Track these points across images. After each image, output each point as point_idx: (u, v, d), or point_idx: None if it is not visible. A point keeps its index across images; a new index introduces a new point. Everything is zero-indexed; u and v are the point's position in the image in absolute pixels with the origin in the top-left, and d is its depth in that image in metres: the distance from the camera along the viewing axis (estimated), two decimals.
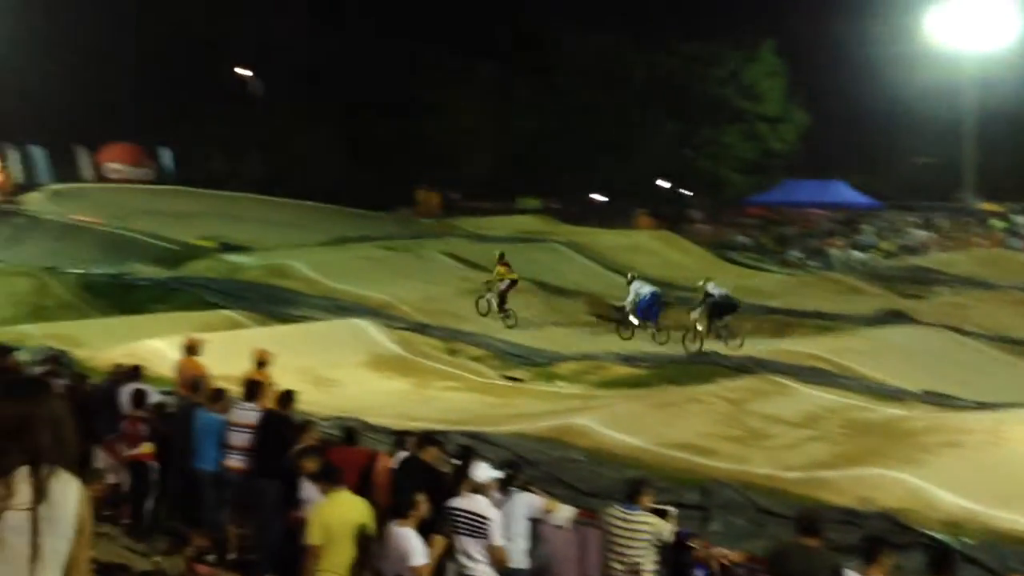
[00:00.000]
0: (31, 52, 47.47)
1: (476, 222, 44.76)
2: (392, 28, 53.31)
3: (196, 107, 50.77)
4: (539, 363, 21.48)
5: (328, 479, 8.47)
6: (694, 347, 22.87)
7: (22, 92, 47.10)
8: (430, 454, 9.41)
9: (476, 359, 21.91)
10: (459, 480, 8.81)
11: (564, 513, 8.99)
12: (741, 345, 22.55)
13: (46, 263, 31.08)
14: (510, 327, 25.60)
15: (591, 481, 12.06)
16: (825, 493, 11.92)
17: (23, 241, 35.93)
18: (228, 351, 16.35)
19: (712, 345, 22.64)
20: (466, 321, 25.57)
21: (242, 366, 13.29)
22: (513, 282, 26.35)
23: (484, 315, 26.21)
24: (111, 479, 12.41)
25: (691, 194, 58.86)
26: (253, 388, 11.34)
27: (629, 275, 26.24)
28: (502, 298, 26.19)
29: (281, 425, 10.62)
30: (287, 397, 11.05)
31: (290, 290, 27.54)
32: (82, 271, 30.41)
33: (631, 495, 8.12)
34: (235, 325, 23.37)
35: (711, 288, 23.76)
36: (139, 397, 12.02)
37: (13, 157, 44.00)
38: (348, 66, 52.76)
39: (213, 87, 52.09)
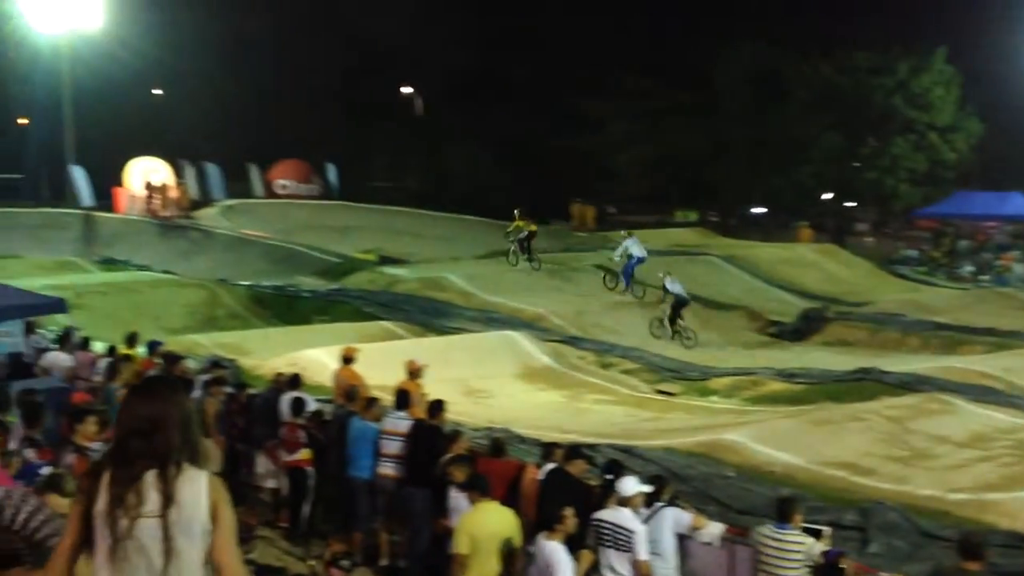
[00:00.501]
0: (208, 77, 50.01)
1: None
2: (550, 42, 53.73)
3: (361, 124, 52.31)
4: (693, 377, 21.14)
5: (476, 489, 8.51)
6: (659, 333, 25.68)
7: (200, 114, 49.67)
8: (577, 467, 9.34)
9: (628, 372, 21.75)
10: (607, 494, 8.71)
11: (713, 530, 8.77)
12: (695, 344, 24.96)
13: (217, 275, 32.56)
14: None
15: (742, 498, 11.77)
16: (992, 516, 11.32)
17: (197, 254, 37.70)
18: (384, 361, 16.72)
19: (672, 349, 24.15)
20: (619, 334, 25.42)
21: (397, 376, 13.55)
22: (532, 233, 30.10)
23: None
24: (271, 484, 12.86)
25: (856, 205, 56.97)
26: (404, 397, 11.53)
27: (624, 232, 30.58)
28: (522, 246, 30.07)
29: (431, 434, 10.76)
30: (437, 407, 11.17)
31: (445, 302, 27.95)
32: (250, 283, 31.73)
33: (783, 514, 7.86)
34: (392, 336, 23.89)
35: (669, 283, 25.83)
36: (298, 405, 12.36)
37: (190, 174, 46.26)
38: (505, 81, 53.40)
39: (377, 104, 53.58)
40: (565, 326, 25.90)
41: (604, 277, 29.58)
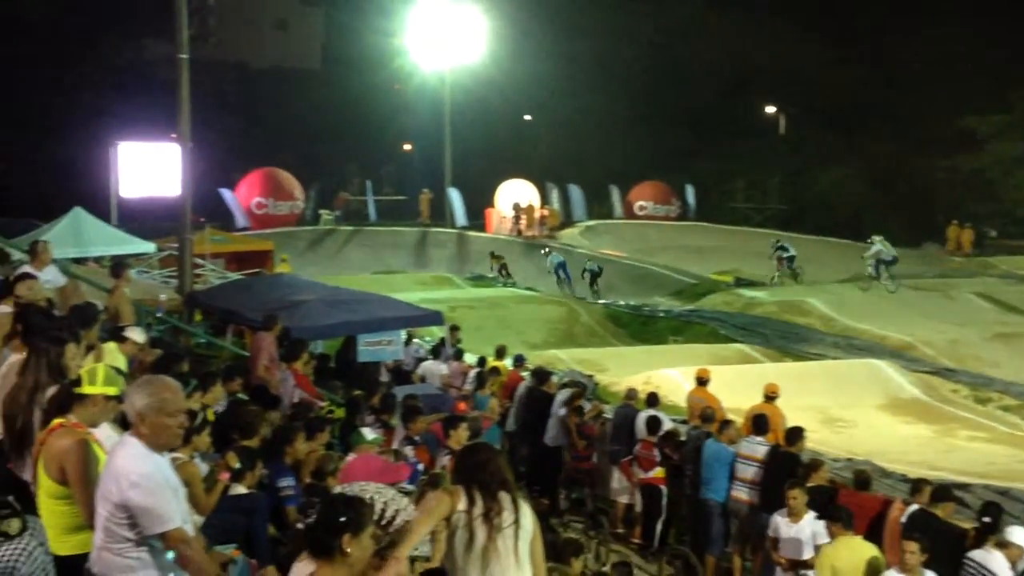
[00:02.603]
0: (574, 102, 51.93)
1: (1015, 261, 40.82)
2: (922, 60, 50.71)
3: (722, 145, 52.06)
4: None
5: (839, 521, 8.24)
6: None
7: (565, 137, 51.66)
8: (944, 509, 8.77)
9: (1009, 409, 20.06)
10: (982, 539, 8.10)
11: None
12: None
13: (577, 293, 33.65)
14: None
15: None
16: None
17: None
18: (739, 384, 16.56)
19: None
20: (999, 367, 23.44)
21: (752, 400, 13.36)
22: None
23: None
24: (624, 499, 13.10)
25: None
26: (762, 422, 11.35)
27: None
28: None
29: (788, 461, 10.51)
30: (796, 433, 10.91)
31: (805, 327, 27.14)
32: (607, 301, 32.49)
33: None
34: (747, 360, 23.54)
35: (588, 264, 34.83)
36: (654, 423, 12.51)
37: (555, 195, 48.18)
38: (871, 100, 51.04)
39: (740, 125, 53.08)
40: (936, 356, 24.28)
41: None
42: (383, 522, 4.23)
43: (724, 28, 54.04)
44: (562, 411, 13.71)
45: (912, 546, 7.50)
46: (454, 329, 19.00)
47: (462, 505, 4.82)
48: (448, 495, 4.91)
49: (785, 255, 34.24)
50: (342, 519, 3.84)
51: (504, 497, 4.86)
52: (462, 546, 4.82)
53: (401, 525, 4.30)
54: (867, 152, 51.25)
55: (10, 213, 29.96)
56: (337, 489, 4.38)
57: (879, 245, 31.67)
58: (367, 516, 3.96)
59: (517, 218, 44.49)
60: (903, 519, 8.76)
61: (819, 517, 9.08)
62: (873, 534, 8.79)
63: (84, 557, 4.47)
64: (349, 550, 3.80)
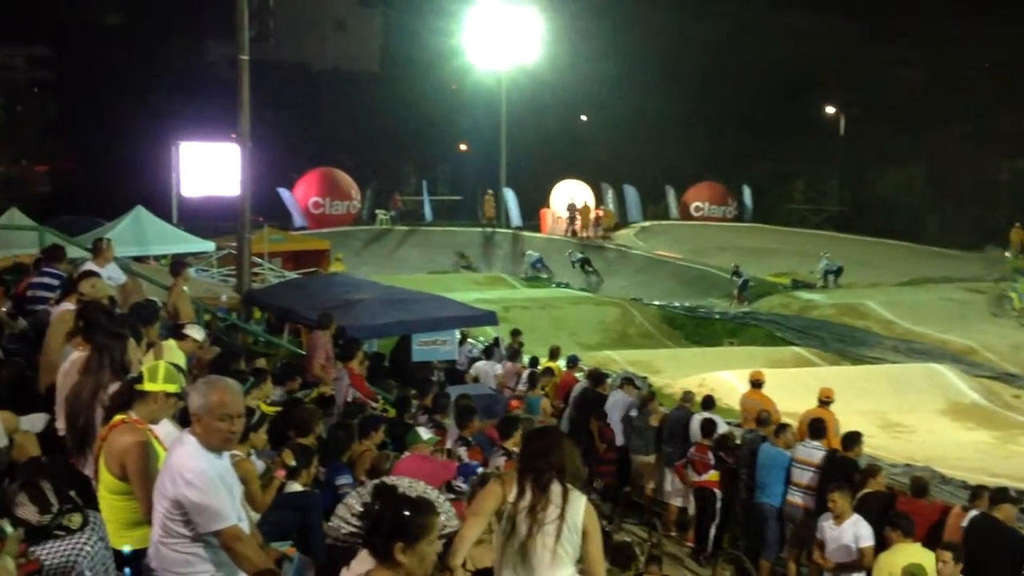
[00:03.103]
0: (630, 102, 51.74)
1: None
2: (986, 59, 49.78)
3: (780, 145, 51.54)
4: None
5: (899, 528, 8.15)
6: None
7: (621, 137, 51.46)
8: (1004, 512, 8.61)
9: None
10: None
11: None
12: None
13: (631, 294, 33.53)
14: None
15: None
16: None
17: (612, 273, 39.02)
18: (795, 388, 16.39)
19: None
20: None
21: (808, 404, 13.22)
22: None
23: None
24: (678, 502, 13.03)
25: None
26: (818, 427, 11.21)
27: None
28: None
29: (845, 466, 10.38)
30: (853, 438, 10.76)
31: (863, 330, 26.79)
32: (662, 303, 32.34)
33: None
34: (804, 362, 23.31)
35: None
36: (708, 426, 12.43)
37: (610, 196, 48.05)
38: (933, 100, 50.20)
39: (797, 124, 52.50)
40: (999, 361, 23.83)
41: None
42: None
43: (784, 27, 53.50)
44: (634, 412, 13.71)
45: (946, 555, 7.51)
46: (516, 333, 18.98)
47: (512, 496, 4.68)
48: (499, 485, 4.78)
49: (740, 280, 33.72)
50: (398, 525, 3.73)
51: (555, 490, 4.65)
52: (504, 538, 4.70)
53: (447, 531, 4.19)
54: (928, 153, 50.43)
55: (75, 211, 30.60)
56: (400, 490, 4.23)
57: (825, 260, 34.66)
58: (427, 527, 3.81)
59: (572, 218, 44.44)
60: (964, 524, 8.62)
61: (879, 524, 8.99)
62: (931, 541, 8.66)
63: (143, 552, 4.55)
64: (401, 558, 3.70)
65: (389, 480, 4.31)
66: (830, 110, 56.83)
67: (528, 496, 4.64)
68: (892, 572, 7.80)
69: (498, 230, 44.99)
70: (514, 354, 17.87)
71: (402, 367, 15.70)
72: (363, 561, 4.00)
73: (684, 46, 53.39)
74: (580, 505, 4.69)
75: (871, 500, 9.44)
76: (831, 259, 35.35)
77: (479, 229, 45.12)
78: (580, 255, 38.31)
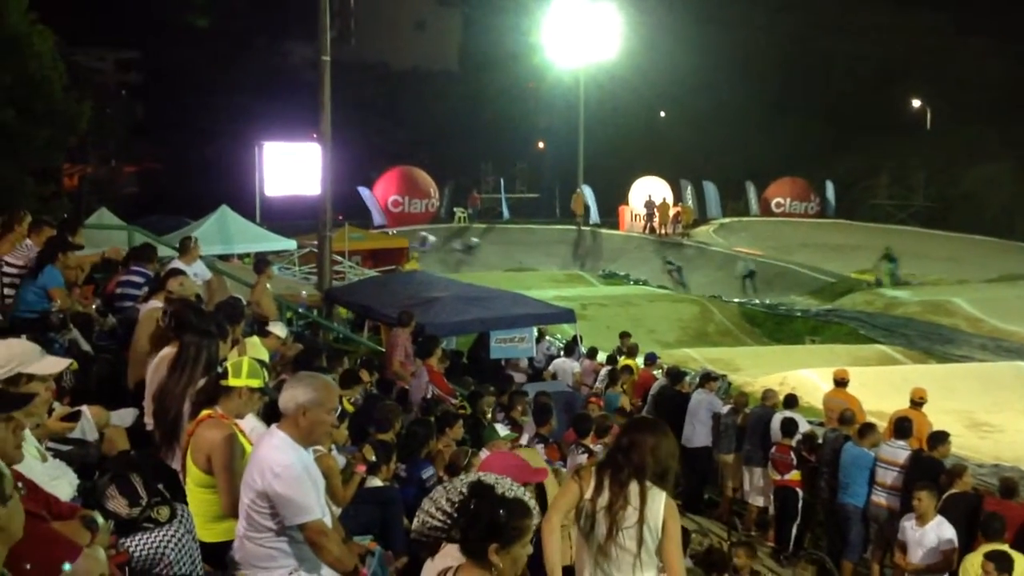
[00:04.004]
0: (709, 98, 51.26)
1: None
2: None
3: (864, 140, 50.59)
4: None
5: (988, 530, 7.99)
6: None
7: (700, 134, 51.05)
8: None
9: None
10: None
11: None
12: None
13: (710, 292, 33.21)
14: None
15: None
16: None
17: (692, 270, 38.70)
18: (880, 386, 16.09)
19: None
20: None
21: (894, 403, 12.97)
22: None
23: None
24: (760, 502, 12.89)
25: None
26: (905, 426, 11.00)
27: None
28: None
29: (931, 466, 10.16)
30: (939, 438, 10.53)
31: (950, 328, 26.17)
32: (742, 300, 31.97)
33: None
34: (888, 361, 22.84)
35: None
36: (790, 425, 12.27)
37: (688, 193, 47.65)
38: (1021, 93, 48.70)
39: (882, 118, 51.47)
40: None
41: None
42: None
43: (868, 20, 52.47)
44: (724, 410, 13.60)
45: (988, 566, 7.47)
46: (625, 336, 18.37)
47: (589, 492, 4.57)
48: (576, 482, 4.68)
49: (672, 267, 34.14)
50: (493, 525, 3.64)
51: (633, 489, 4.51)
52: (583, 536, 4.62)
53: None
54: (1016, 147, 48.98)
55: (162, 211, 31.37)
56: (500, 491, 4.11)
57: (741, 261, 35.60)
58: (522, 529, 3.69)
59: (650, 216, 44.17)
60: None
61: (966, 526, 8.79)
62: (1020, 543, 8.43)
63: (229, 545, 4.65)
64: (495, 559, 3.61)
65: (488, 479, 4.25)
66: (916, 104, 55.60)
67: (606, 494, 4.53)
68: (978, 573, 7.62)
69: (573, 227, 44.90)
70: (593, 352, 17.82)
71: (480, 364, 15.79)
72: (447, 556, 4.01)
73: (765, 40, 52.76)
74: (660, 503, 4.51)
75: (957, 501, 9.23)
76: (748, 261, 35.76)
77: (557, 227, 45.09)
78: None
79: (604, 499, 4.53)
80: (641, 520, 4.47)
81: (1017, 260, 38.12)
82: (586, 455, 8.54)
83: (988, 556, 7.61)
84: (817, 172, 49.71)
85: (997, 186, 48.76)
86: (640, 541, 4.48)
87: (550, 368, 16.94)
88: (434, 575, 4.00)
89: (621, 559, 4.51)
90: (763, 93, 51.92)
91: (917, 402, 12.55)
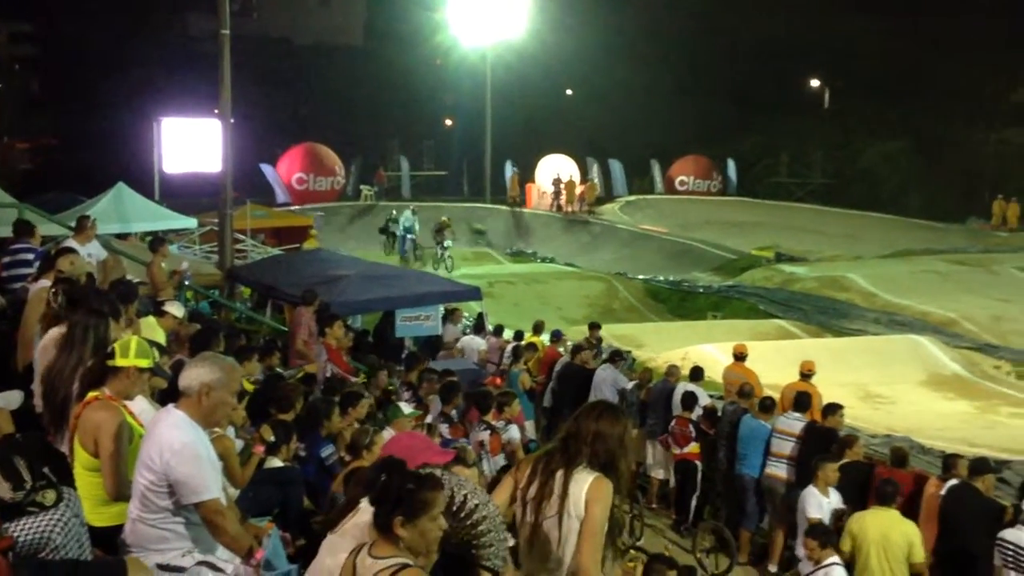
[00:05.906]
0: (615, 76, 51.58)
1: None
2: (972, 32, 49.69)
3: (765, 118, 51.52)
4: None
5: (881, 496, 8.31)
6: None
7: (606, 112, 51.37)
8: (985, 482, 8.72)
9: None
10: (1018, 517, 8.06)
11: None
12: None
13: (616, 268, 33.56)
14: None
15: None
16: None
17: (598, 248, 39.03)
18: (778, 360, 16.48)
19: None
20: None
21: (790, 375, 13.31)
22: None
23: None
24: (660, 474, 13.13)
25: None
26: (801, 399, 11.30)
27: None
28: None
29: (825, 437, 10.48)
30: (832, 409, 10.87)
31: (845, 303, 26.88)
32: (647, 277, 32.39)
33: None
34: (786, 335, 23.39)
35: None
36: (690, 399, 12.50)
37: (595, 170, 47.98)
38: (918, 73, 50.15)
39: (782, 98, 52.44)
40: (979, 332, 23.95)
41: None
42: (462, 514, 4.03)
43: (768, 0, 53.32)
44: (629, 386, 13.74)
45: (811, 543, 7.90)
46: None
47: (523, 483, 4.42)
48: (510, 476, 4.57)
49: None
50: (399, 498, 3.65)
51: (558, 477, 4.30)
52: (518, 528, 4.45)
53: (478, 518, 4.09)
54: (913, 126, 50.49)
55: (56, 187, 30.38)
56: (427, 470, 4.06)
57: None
58: (429, 502, 3.70)
59: (557, 193, 44.40)
60: (942, 493, 8.72)
61: (858, 493, 9.10)
62: (909, 511, 8.75)
63: (119, 528, 4.57)
64: (400, 532, 3.64)
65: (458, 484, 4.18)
66: (815, 83, 56.80)
67: (537, 482, 4.37)
68: (855, 533, 8.01)
69: (482, 205, 44.85)
70: (499, 329, 17.90)
71: (386, 343, 15.73)
72: (348, 534, 4.01)
73: (669, 19, 53.25)
74: (582, 488, 4.24)
75: (849, 470, 9.53)
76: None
77: (464, 204, 44.98)
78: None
79: (534, 488, 4.37)
80: (561, 508, 4.25)
81: (911, 236, 39.32)
82: (488, 432, 8.58)
83: (809, 533, 8.04)
84: (720, 150, 50.51)
85: (893, 163, 50.20)
86: (560, 529, 4.26)
87: (458, 345, 16.97)
88: (337, 551, 3.99)
89: (545, 549, 4.31)
90: (668, 72, 52.43)
91: (806, 374, 12.91)
